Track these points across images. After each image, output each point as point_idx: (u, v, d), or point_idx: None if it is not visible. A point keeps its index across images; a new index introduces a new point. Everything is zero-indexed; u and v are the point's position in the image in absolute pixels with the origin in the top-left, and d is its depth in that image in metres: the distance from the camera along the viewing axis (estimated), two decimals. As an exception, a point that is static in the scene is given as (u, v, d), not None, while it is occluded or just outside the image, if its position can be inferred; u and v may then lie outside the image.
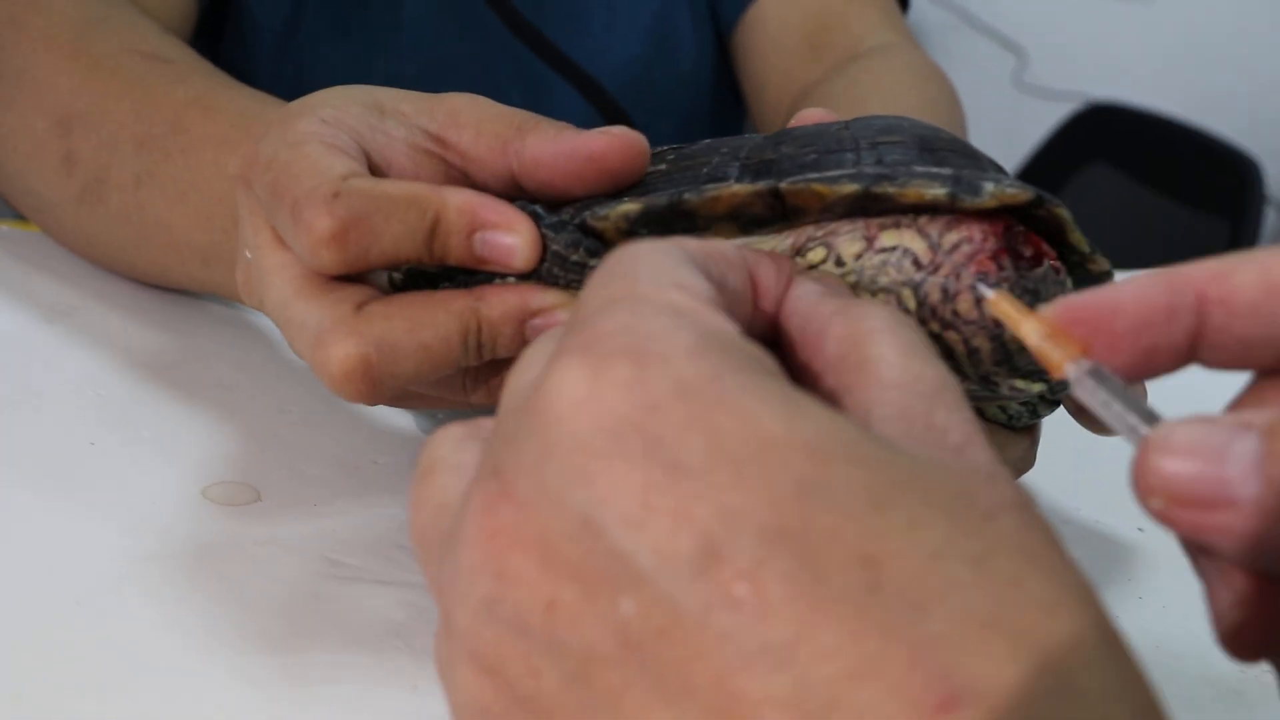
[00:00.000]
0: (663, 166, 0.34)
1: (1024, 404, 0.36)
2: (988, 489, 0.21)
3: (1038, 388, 0.32)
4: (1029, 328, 0.26)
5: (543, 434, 0.21)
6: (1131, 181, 1.77)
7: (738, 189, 0.32)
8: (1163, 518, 0.22)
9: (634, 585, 0.20)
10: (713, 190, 0.32)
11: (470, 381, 0.35)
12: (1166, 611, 0.40)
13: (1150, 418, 0.24)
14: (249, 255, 0.35)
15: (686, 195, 0.32)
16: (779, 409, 0.21)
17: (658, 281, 0.23)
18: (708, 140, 0.35)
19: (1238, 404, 0.25)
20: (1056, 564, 0.20)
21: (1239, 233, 1.67)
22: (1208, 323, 0.24)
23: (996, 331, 0.30)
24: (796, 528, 0.19)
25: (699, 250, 0.26)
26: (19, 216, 0.56)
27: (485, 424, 0.26)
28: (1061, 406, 0.36)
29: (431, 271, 0.34)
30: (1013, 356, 0.30)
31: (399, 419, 0.46)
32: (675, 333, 0.22)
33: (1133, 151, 1.79)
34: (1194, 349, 0.24)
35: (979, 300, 0.30)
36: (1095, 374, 0.24)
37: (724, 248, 0.27)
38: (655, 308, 0.22)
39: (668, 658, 0.19)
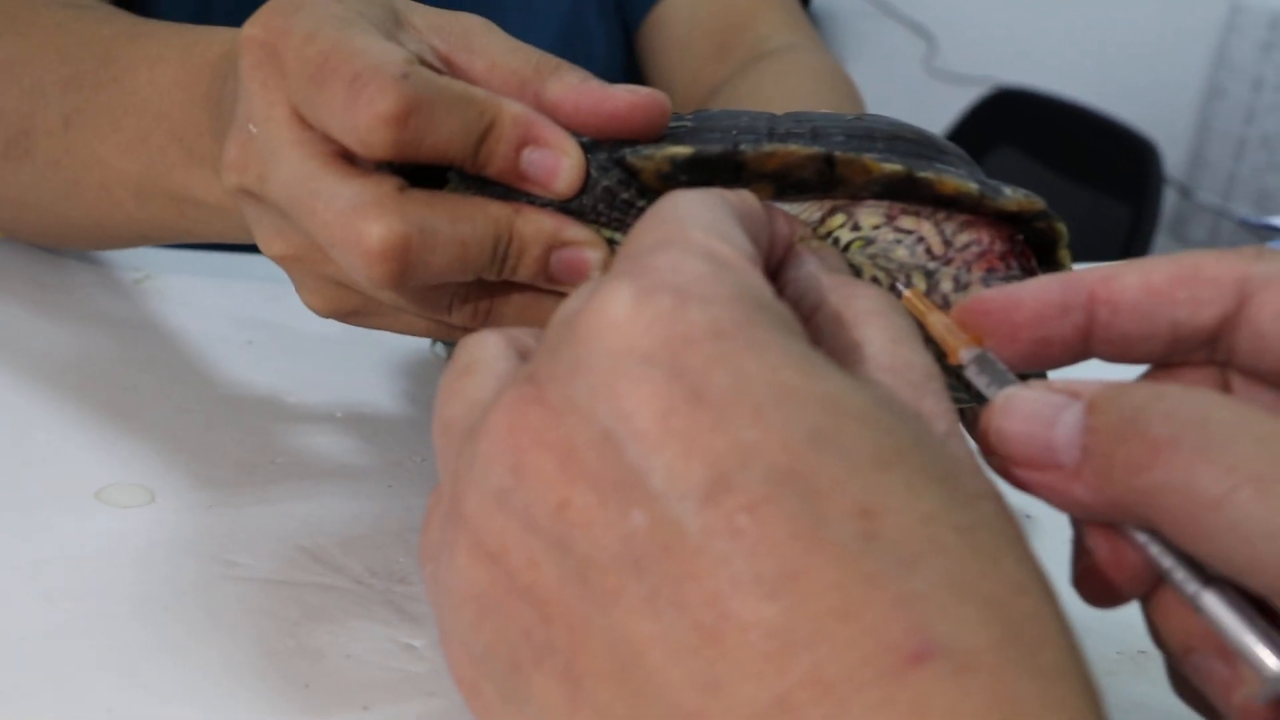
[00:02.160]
0: (687, 123, 0.34)
1: None
2: (972, 476, 0.23)
3: None
4: (934, 319, 0.29)
5: (581, 347, 0.22)
6: (1037, 165, 1.81)
7: (795, 149, 0.32)
8: (1000, 473, 0.25)
9: (645, 501, 0.21)
10: (769, 146, 0.32)
11: (458, 301, 0.35)
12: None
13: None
14: (254, 129, 0.33)
15: (743, 147, 0.32)
16: (800, 363, 0.22)
17: (709, 231, 0.25)
18: (721, 109, 0.36)
19: None
20: (1024, 553, 0.22)
21: (1141, 214, 1.72)
22: (1096, 319, 0.27)
23: None
24: (805, 471, 0.21)
25: (738, 204, 0.27)
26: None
27: (519, 335, 0.27)
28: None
29: (459, 184, 0.34)
30: None
31: (299, 419, 0.46)
32: (718, 280, 0.23)
33: (1038, 136, 1.83)
34: (1086, 343, 0.27)
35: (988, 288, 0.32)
36: (981, 360, 0.27)
37: (754, 203, 0.29)
38: (704, 255, 0.24)
39: (666, 573, 0.20)
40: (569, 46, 0.76)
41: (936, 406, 0.25)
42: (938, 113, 1.88)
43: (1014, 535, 0.22)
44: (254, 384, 0.49)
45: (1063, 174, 1.79)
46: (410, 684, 0.33)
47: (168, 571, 0.36)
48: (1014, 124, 1.86)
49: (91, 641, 0.33)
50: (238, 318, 0.55)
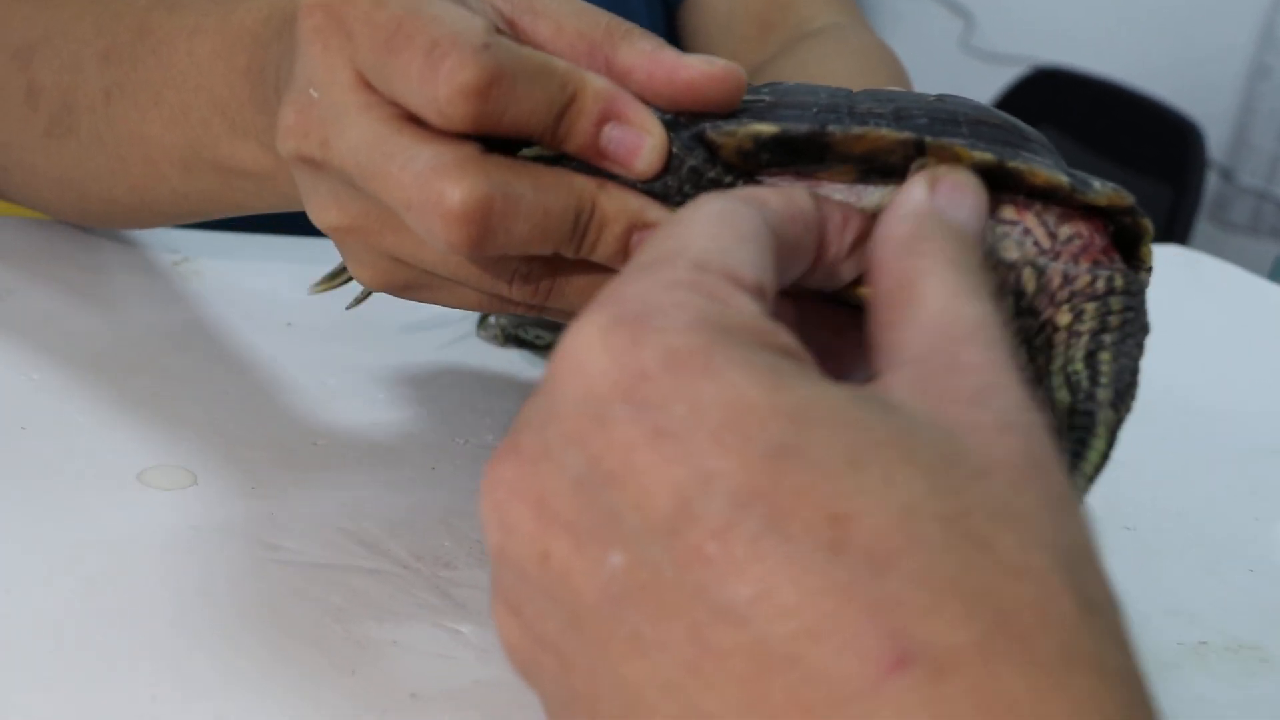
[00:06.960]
0: (765, 97, 0.33)
1: None
2: (992, 442, 0.21)
3: None
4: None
5: (550, 395, 0.22)
6: (1076, 146, 1.78)
7: (886, 133, 0.31)
8: None
9: (620, 542, 0.21)
10: (858, 129, 0.31)
11: (520, 277, 0.33)
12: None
13: None
14: (315, 94, 0.32)
15: (831, 128, 0.31)
16: (763, 380, 0.21)
17: (704, 253, 0.24)
18: (797, 83, 0.35)
19: None
20: (1038, 527, 0.20)
21: (1182, 196, 1.69)
22: None
23: (1103, 293, 0.31)
24: (766, 489, 0.20)
25: (780, 210, 0.27)
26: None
27: None
28: None
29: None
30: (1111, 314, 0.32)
31: (339, 401, 0.46)
32: (681, 309, 0.22)
33: (1078, 116, 1.81)
34: None
35: (1095, 279, 0.31)
36: None
37: (804, 205, 0.28)
38: (677, 281, 0.23)
39: (647, 611, 0.20)
40: None
41: (979, 357, 0.23)
42: (975, 93, 1.84)
43: (1024, 509, 0.20)
44: (294, 366, 0.48)
45: (1102, 155, 1.76)
46: (458, 670, 0.32)
47: (211, 556, 0.35)
48: (1053, 104, 1.84)
49: (136, 628, 0.32)
50: (276, 300, 0.54)
